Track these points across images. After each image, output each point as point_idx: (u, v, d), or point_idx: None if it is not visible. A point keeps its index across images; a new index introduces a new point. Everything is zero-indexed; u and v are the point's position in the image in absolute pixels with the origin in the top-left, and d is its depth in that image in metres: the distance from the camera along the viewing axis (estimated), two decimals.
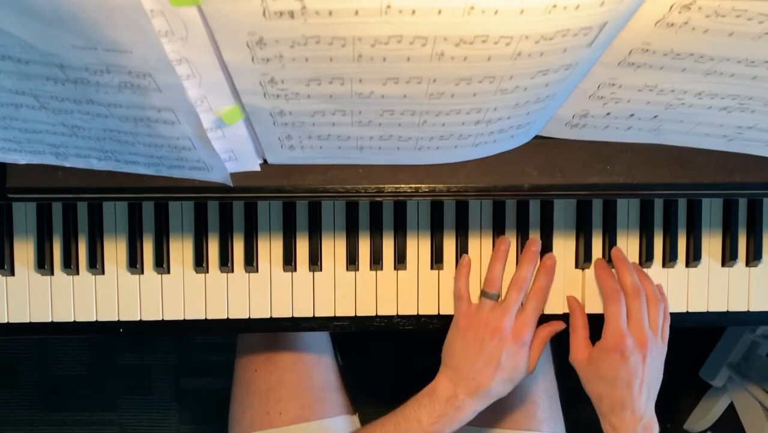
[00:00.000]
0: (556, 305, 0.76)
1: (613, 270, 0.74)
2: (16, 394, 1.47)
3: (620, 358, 0.68)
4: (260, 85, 0.47)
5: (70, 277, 0.75)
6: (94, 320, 0.74)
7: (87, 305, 0.74)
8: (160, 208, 0.74)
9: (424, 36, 0.42)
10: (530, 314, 0.71)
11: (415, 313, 0.76)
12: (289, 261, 0.74)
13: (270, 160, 0.61)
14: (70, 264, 0.74)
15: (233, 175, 0.61)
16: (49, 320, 0.74)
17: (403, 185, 0.63)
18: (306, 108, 0.51)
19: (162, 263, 0.74)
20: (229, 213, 0.75)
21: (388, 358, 1.44)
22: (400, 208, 0.75)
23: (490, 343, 0.70)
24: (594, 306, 0.75)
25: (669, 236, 0.76)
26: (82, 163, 0.60)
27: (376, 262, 0.75)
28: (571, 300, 0.75)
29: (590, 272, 0.76)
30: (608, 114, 0.58)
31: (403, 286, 0.76)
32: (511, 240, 0.75)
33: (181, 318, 0.75)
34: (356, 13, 0.40)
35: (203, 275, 0.75)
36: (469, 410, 0.70)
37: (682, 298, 0.77)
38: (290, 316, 0.75)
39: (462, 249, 0.75)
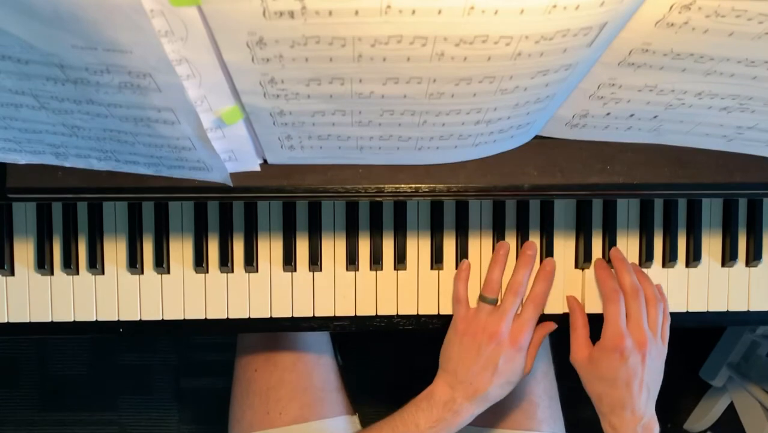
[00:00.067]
0: (555, 305, 0.76)
1: (612, 270, 0.74)
2: (16, 394, 1.47)
3: (619, 358, 0.68)
4: (260, 85, 0.47)
5: (70, 277, 0.75)
6: (94, 319, 0.75)
7: (87, 304, 0.74)
8: (160, 208, 0.74)
9: (424, 36, 0.42)
10: (527, 319, 0.71)
11: (415, 313, 0.76)
12: (289, 261, 0.74)
13: (270, 160, 0.61)
14: (70, 264, 0.74)
15: (233, 175, 0.61)
16: (49, 320, 0.74)
17: (403, 185, 0.63)
18: (306, 108, 0.51)
19: (162, 263, 0.74)
20: (229, 213, 0.75)
21: (388, 358, 1.44)
22: (400, 209, 0.75)
23: (488, 348, 0.70)
24: (594, 306, 0.75)
25: (669, 236, 0.76)
26: (82, 163, 0.60)
27: (376, 262, 0.75)
28: (571, 300, 0.75)
29: (590, 272, 0.76)
30: (608, 114, 0.58)
31: (403, 286, 0.76)
32: (510, 244, 0.75)
33: (181, 318, 0.75)
34: (356, 13, 0.40)
35: (203, 275, 0.75)
36: (467, 413, 0.71)
37: (682, 298, 0.77)
38: (290, 316, 0.75)
39: (462, 249, 0.75)
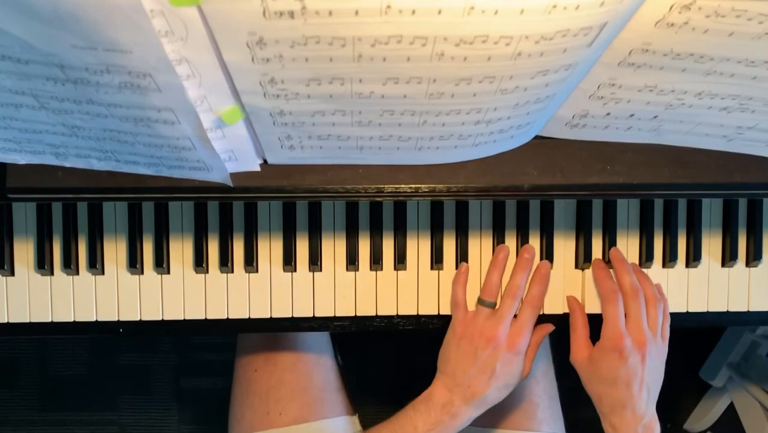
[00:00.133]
0: (555, 305, 0.76)
1: (611, 270, 0.74)
2: (16, 394, 1.47)
3: (619, 358, 0.68)
4: (260, 85, 0.47)
5: (70, 277, 0.75)
6: (94, 320, 0.75)
7: (87, 305, 0.74)
8: (160, 208, 0.74)
9: (424, 36, 0.42)
10: (525, 322, 0.71)
11: (415, 313, 0.76)
12: (289, 261, 0.74)
13: (270, 160, 0.61)
14: (70, 264, 0.74)
15: (233, 175, 0.61)
16: (49, 320, 0.74)
17: (403, 185, 0.63)
18: (306, 108, 0.51)
19: (162, 263, 0.74)
20: (229, 213, 0.75)
21: (388, 358, 1.44)
22: (400, 209, 0.75)
23: (485, 352, 0.70)
24: (594, 306, 0.75)
25: (669, 236, 0.76)
26: (82, 163, 0.60)
27: (376, 262, 0.75)
28: (571, 300, 0.75)
29: (590, 272, 0.76)
30: (608, 114, 0.58)
31: (403, 286, 0.76)
32: (510, 245, 0.75)
33: (181, 318, 0.75)
34: (356, 13, 0.40)
35: (203, 275, 0.75)
36: (465, 416, 0.71)
37: (682, 298, 0.77)
38: (290, 316, 0.75)
39: (462, 249, 0.75)
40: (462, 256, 0.75)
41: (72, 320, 0.74)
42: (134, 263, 0.74)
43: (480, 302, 0.73)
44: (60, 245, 0.74)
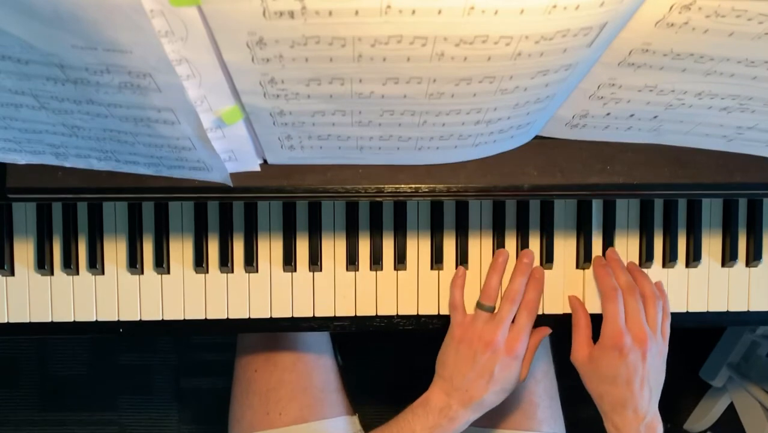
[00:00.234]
0: (555, 306, 0.76)
1: (611, 269, 0.74)
2: (16, 394, 1.47)
3: (619, 356, 0.68)
4: (260, 85, 0.47)
5: (70, 277, 0.75)
6: (94, 320, 0.75)
7: (87, 305, 0.74)
8: (160, 208, 0.74)
9: (424, 36, 0.42)
10: (522, 327, 0.71)
11: (415, 313, 0.76)
12: (289, 261, 0.74)
13: (270, 161, 0.61)
14: (70, 264, 0.74)
15: (233, 176, 0.61)
16: (49, 320, 0.74)
17: (403, 185, 0.63)
18: (306, 108, 0.51)
19: (162, 263, 0.74)
20: (229, 213, 0.75)
21: (388, 358, 1.44)
22: (400, 209, 0.75)
23: (483, 356, 0.70)
24: (594, 306, 0.75)
25: (669, 236, 0.76)
26: (82, 163, 0.60)
27: (376, 262, 0.75)
28: (573, 299, 0.75)
29: (590, 272, 0.76)
30: (608, 114, 0.58)
31: (403, 286, 0.76)
32: (510, 245, 0.75)
33: (181, 318, 0.75)
34: (356, 13, 0.40)
35: (203, 275, 0.75)
36: (463, 420, 0.71)
37: (682, 298, 0.77)
38: (290, 316, 0.75)
39: (462, 249, 0.75)
40: (462, 256, 0.75)
41: (72, 320, 0.74)
42: (134, 263, 0.74)
43: (479, 305, 0.73)
44: (60, 245, 0.74)
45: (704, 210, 0.77)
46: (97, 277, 0.75)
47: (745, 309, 0.77)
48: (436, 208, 0.75)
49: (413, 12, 0.40)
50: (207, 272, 0.75)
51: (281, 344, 0.87)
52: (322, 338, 0.90)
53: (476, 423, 0.74)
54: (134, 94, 0.48)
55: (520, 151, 0.63)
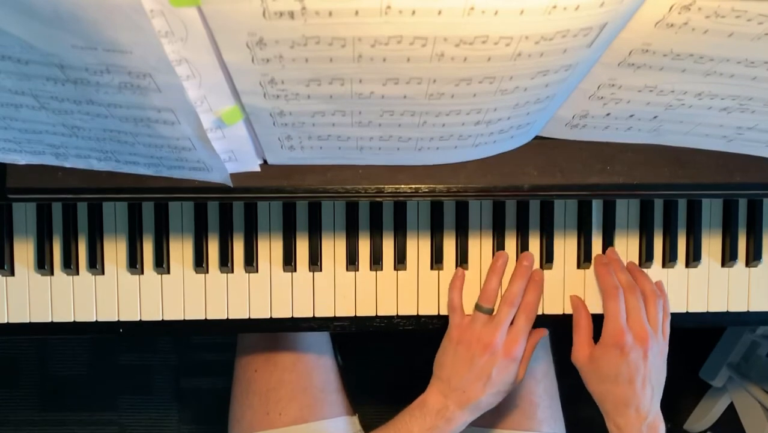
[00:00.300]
0: (556, 306, 0.76)
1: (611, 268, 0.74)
2: (16, 394, 1.47)
3: (620, 354, 0.68)
4: (260, 85, 0.47)
5: (70, 277, 0.75)
6: (94, 320, 0.75)
7: (87, 305, 0.74)
8: (160, 208, 0.74)
9: (424, 36, 0.42)
10: (521, 329, 0.71)
11: (415, 313, 0.76)
12: (289, 261, 0.74)
13: (270, 161, 0.61)
14: (70, 264, 0.74)
15: (233, 176, 0.61)
16: (49, 320, 0.74)
17: (403, 185, 0.63)
18: (306, 108, 0.51)
19: (162, 263, 0.74)
20: (229, 213, 0.75)
21: (388, 358, 1.44)
22: (400, 209, 0.75)
23: (481, 358, 0.70)
24: (595, 306, 0.75)
25: (669, 236, 0.76)
26: (82, 163, 0.60)
27: (376, 262, 0.75)
28: (574, 299, 0.75)
29: (590, 272, 0.76)
30: (608, 114, 0.58)
31: (403, 286, 0.76)
32: (510, 246, 0.75)
33: (181, 318, 0.75)
34: (356, 13, 0.40)
35: (203, 275, 0.75)
36: (460, 421, 0.71)
37: (682, 298, 0.77)
38: (290, 316, 0.75)
39: (462, 249, 0.75)
40: (462, 256, 0.75)
41: (72, 320, 0.74)
42: (134, 263, 0.74)
43: (477, 307, 0.73)
44: (60, 245, 0.74)
45: (704, 210, 0.77)
46: (97, 277, 0.75)
47: (745, 309, 0.77)
48: (436, 209, 0.75)
49: (413, 12, 0.40)
50: (207, 272, 0.75)
51: (281, 344, 0.87)
52: (322, 338, 0.90)
53: (476, 423, 0.74)
54: (134, 95, 0.48)
55: (520, 152, 0.63)
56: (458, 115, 0.52)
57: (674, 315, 0.75)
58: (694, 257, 0.76)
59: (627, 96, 0.55)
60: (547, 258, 0.75)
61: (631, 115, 0.58)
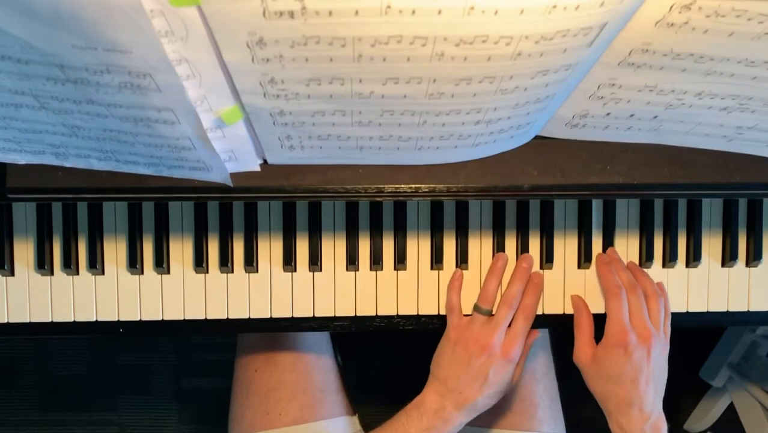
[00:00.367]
0: (556, 306, 0.76)
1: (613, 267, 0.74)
2: (16, 394, 1.47)
3: (624, 353, 0.68)
4: (260, 85, 0.47)
5: (70, 277, 0.75)
6: (94, 320, 0.74)
7: (87, 305, 0.74)
8: (160, 208, 0.74)
9: (424, 36, 0.42)
10: (519, 331, 0.72)
11: (415, 313, 0.76)
12: (289, 261, 0.74)
13: (270, 161, 0.61)
14: (70, 264, 0.74)
15: (233, 176, 0.61)
16: (49, 320, 0.74)
17: (403, 185, 0.63)
18: (306, 108, 0.51)
19: (162, 263, 0.74)
20: (229, 213, 0.75)
21: (388, 358, 1.44)
22: (400, 209, 0.75)
23: (479, 359, 0.70)
24: (595, 306, 0.75)
25: (669, 236, 0.76)
26: (82, 163, 0.60)
27: (376, 262, 0.75)
28: (575, 299, 0.75)
29: (590, 272, 0.76)
30: (608, 114, 0.58)
31: (403, 286, 0.76)
32: (510, 246, 0.75)
33: (181, 318, 0.75)
34: (356, 13, 0.40)
35: (203, 275, 0.75)
36: (457, 421, 0.71)
37: (682, 298, 0.77)
38: (290, 316, 0.75)
39: (462, 249, 0.75)
40: (462, 256, 0.75)
41: (72, 320, 0.74)
42: (134, 263, 0.74)
43: (476, 308, 0.73)
44: (60, 245, 0.74)
45: (704, 210, 0.77)
46: (97, 277, 0.75)
47: (745, 309, 0.77)
48: (436, 208, 0.75)
49: (413, 12, 0.40)
50: (207, 272, 0.75)
51: (281, 344, 0.87)
52: (322, 338, 0.90)
53: (476, 423, 0.74)
54: (134, 94, 0.48)
55: (520, 151, 0.63)
56: (458, 114, 0.52)
57: (674, 315, 0.75)
58: (694, 257, 0.76)
59: (627, 96, 0.55)
60: (547, 258, 0.75)
61: (631, 115, 0.58)
